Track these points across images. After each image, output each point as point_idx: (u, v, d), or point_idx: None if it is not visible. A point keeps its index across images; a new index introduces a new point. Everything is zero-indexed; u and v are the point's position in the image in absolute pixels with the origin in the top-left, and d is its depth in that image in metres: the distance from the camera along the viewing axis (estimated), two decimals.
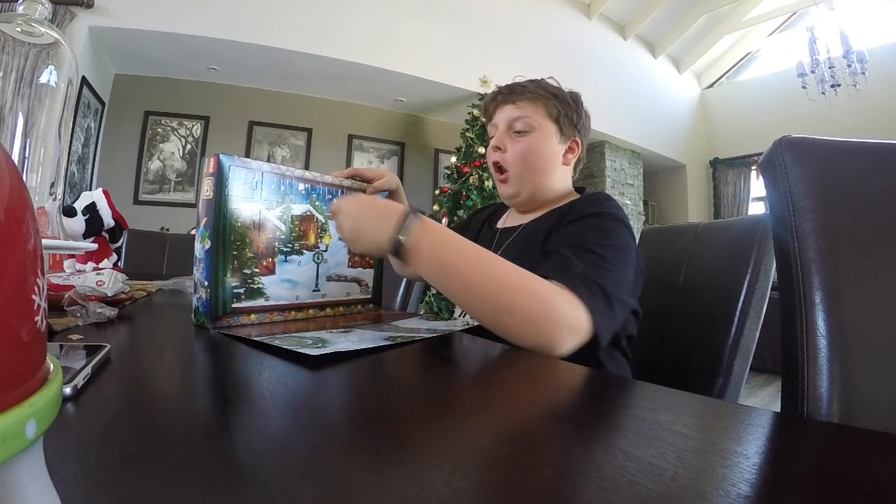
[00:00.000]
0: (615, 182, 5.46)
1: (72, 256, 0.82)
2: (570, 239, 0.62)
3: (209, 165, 0.54)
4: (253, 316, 0.57)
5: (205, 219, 0.53)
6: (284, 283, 0.61)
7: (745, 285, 0.71)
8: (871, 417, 0.38)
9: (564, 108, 0.79)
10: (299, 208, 0.63)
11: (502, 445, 0.24)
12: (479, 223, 0.94)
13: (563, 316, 0.51)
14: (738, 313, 0.71)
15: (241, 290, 0.56)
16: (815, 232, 0.40)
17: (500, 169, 0.80)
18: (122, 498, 0.16)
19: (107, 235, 0.85)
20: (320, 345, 0.42)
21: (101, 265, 0.82)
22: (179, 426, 0.24)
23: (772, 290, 0.68)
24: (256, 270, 0.57)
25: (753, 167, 5.85)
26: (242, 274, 0.56)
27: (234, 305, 0.55)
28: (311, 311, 0.64)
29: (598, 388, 0.38)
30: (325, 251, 0.66)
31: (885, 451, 0.25)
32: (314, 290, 0.65)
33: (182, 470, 0.18)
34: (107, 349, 0.34)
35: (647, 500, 0.17)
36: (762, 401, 2.57)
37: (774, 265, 0.67)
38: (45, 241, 0.42)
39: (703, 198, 6.42)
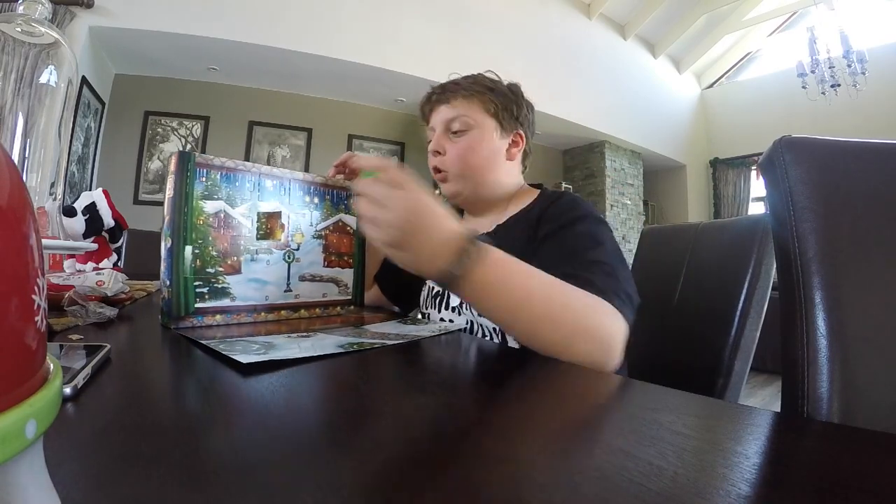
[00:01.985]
0: (615, 182, 5.46)
1: (72, 256, 0.82)
2: (569, 255, 0.58)
3: (171, 163, 0.53)
4: (218, 316, 0.55)
5: (167, 217, 0.53)
6: (252, 282, 0.59)
7: (745, 285, 0.71)
8: (871, 417, 0.38)
9: (503, 102, 0.76)
10: (267, 206, 0.61)
11: (500, 446, 0.24)
12: None
13: (618, 333, 0.49)
14: (738, 313, 0.71)
15: (205, 290, 0.54)
16: (815, 232, 0.40)
17: (438, 170, 0.79)
18: (122, 498, 0.16)
19: (107, 235, 0.85)
20: (263, 350, 0.40)
21: (101, 265, 0.82)
22: (179, 426, 0.24)
23: (772, 290, 0.68)
24: (221, 269, 0.56)
25: (753, 167, 5.85)
26: (206, 273, 0.54)
27: (197, 305, 0.53)
28: (283, 312, 0.62)
29: (597, 387, 0.38)
30: (297, 250, 0.64)
31: (885, 451, 0.25)
32: (286, 291, 0.62)
33: (182, 470, 0.18)
34: (107, 349, 0.34)
35: (647, 500, 0.17)
36: (762, 401, 2.57)
37: (774, 265, 0.67)
38: (45, 241, 0.42)
39: (703, 198, 6.42)
